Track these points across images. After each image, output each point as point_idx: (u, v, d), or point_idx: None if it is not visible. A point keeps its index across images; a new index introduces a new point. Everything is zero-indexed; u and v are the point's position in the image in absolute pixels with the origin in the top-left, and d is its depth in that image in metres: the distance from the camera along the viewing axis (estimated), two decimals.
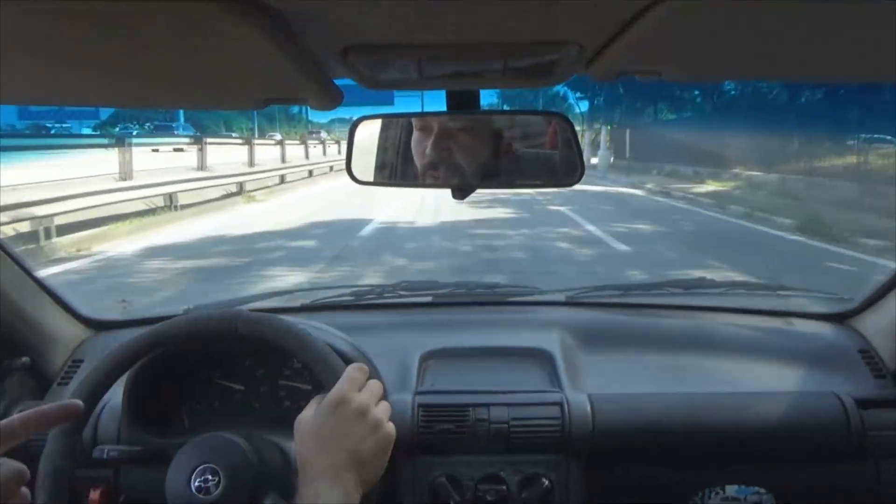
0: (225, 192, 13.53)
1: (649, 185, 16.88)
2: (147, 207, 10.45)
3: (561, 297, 1.59)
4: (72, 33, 0.48)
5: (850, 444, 1.13)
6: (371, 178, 0.98)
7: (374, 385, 0.87)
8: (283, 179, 16.96)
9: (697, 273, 5.81)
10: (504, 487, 1.10)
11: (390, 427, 0.85)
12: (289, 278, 5.87)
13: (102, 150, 11.77)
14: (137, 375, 1.07)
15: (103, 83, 0.66)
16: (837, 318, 1.42)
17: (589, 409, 1.14)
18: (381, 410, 0.85)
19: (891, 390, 1.24)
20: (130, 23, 0.46)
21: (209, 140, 15.64)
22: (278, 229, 9.19)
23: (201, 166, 13.91)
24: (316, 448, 0.80)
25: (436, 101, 0.89)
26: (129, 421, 1.08)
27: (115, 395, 1.06)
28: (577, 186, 0.92)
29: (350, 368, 0.87)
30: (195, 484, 0.90)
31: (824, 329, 1.41)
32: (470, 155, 0.91)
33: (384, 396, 0.89)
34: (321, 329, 1.14)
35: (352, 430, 0.81)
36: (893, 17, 0.46)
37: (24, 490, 0.60)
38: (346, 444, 0.80)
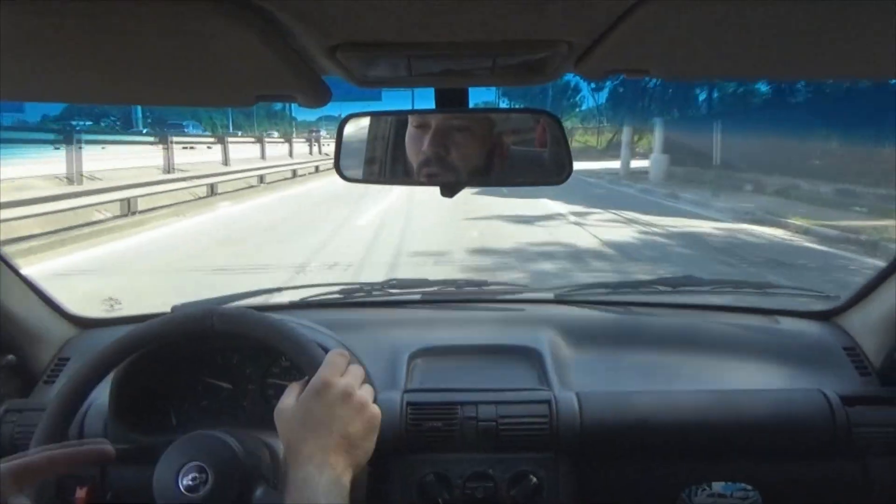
0: None
1: (795, 221, 8.94)
2: None
3: (550, 295, 1.59)
4: (62, 31, 0.48)
5: (835, 440, 1.14)
6: (360, 176, 0.97)
7: (356, 369, 0.88)
8: (130, 207, 9.73)
9: None
10: (492, 485, 1.10)
11: (375, 408, 0.85)
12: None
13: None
14: (124, 374, 1.06)
15: (94, 80, 0.65)
16: (823, 316, 1.44)
17: (577, 406, 1.14)
18: (365, 392, 0.85)
19: (876, 387, 1.25)
20: (121, 21, 0.46)
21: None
22: None
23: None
24: (303, 434, 0.80)
25: (425, 98, 0.89)
26: (116, 419, 1.07)
27: (102, 393, 1.05)
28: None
29: (330, 354, 0.87)
30: (183, 482, 0.89)
31: (810, 327, 1.42)
32: (466, 154, 0.90)
33: (367, 380, 0.89)
34: (308, 326, 1.14)
35: (338, 414, 0.81)
36: (879, 15, 0.47)
37: None
38: (334, 428, 0.80)
